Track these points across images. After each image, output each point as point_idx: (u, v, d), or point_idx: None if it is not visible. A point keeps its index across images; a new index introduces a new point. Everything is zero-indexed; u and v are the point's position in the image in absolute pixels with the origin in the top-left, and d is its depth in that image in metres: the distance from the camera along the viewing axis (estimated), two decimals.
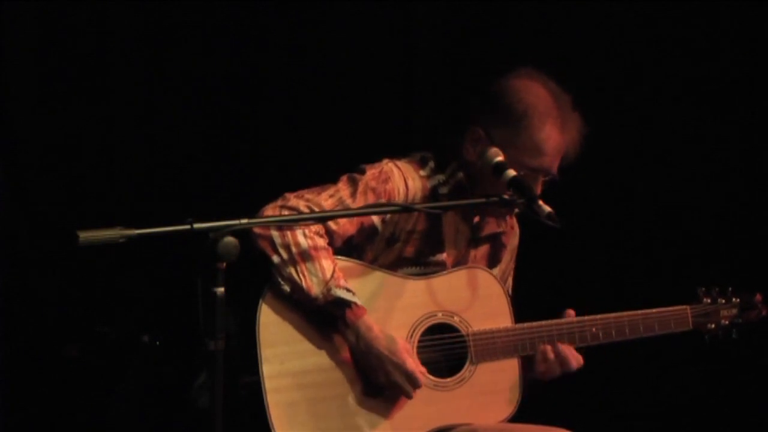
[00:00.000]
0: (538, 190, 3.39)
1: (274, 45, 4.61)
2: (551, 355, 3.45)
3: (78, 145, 4.42)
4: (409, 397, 3.31)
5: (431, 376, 3.37)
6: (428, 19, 4.72)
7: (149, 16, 4.47)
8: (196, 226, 2.73)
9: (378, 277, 3.38)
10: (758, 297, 3.80)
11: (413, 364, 3.29)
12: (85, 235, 2.62)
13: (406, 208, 3.29)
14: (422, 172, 3.47)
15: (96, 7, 4.41)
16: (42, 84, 4.37)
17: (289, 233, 3.23)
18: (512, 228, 3.66)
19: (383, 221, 3.40)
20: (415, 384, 3.29)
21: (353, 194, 3.35)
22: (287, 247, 3.23)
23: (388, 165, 3.43)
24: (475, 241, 3.56)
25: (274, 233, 3.23)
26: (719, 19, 4.72)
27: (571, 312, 3.54)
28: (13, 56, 4.32)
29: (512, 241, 3.67)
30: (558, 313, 3.53)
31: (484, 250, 3.59)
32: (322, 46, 4.63)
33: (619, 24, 4.71)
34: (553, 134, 3.39)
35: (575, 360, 3.48)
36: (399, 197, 3.39)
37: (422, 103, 4.71)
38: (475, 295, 3.44)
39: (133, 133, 4.49)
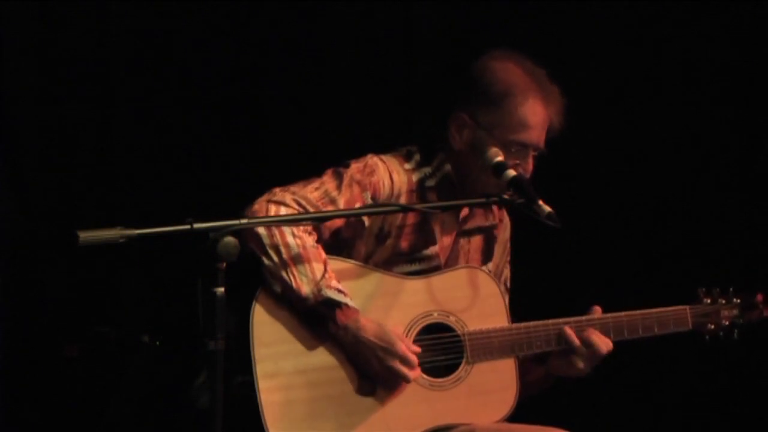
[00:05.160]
0: (530, 165, 3.42)
1: (274, 45, 4.61)
2: (578, 343, 3.44)
3: (78, 144, 4.42)
4: (408, 380, 3.29)
5: (427, 376, 3.37)
6: (428, 19, 4.72)
7: (149, 16, 4.47)
8: (196, 226, 2.73)
9: (373, 277, 3.37)
10: (759, 297, 3.77)
11: (404, 346, 3.28)
12: (85, 235, 2.62)
13: (405, 209, 3.29)
14: (407, 165, 3.48)
15: (96, 7, 4.41)
16: (42, 84, 4.37)
17: (277, 233, 3.23)
18: (501, 221, 3.67)
19: (370, 216, 3.41)
20: (410, 365, 3.28)
21: (338, 187, 3.35)
22: (276, 248, 3.22)
23: (372, 159, 3.44)
24: (462, 233, 3.56)
25: (263, 233, 3.22)
26: (719, 19, 4.72)
27: (597, 309, 3.54)
28: (13, 56, 4.32)
29: (503, 234, 3.68)
30: (587, 311, 3.53)
31: (476, 243, 3.60)
32: (322, 45, 4.63)
33: (619, 24, 4.71)
34: (537, 107, 3.42)
35: (605, 346, 3.47)
36: (384, 190, 3.40)
37: (422, 103, 4.70)
38: (472, 295, 3.44)
39: (133, 133, 4.49)
